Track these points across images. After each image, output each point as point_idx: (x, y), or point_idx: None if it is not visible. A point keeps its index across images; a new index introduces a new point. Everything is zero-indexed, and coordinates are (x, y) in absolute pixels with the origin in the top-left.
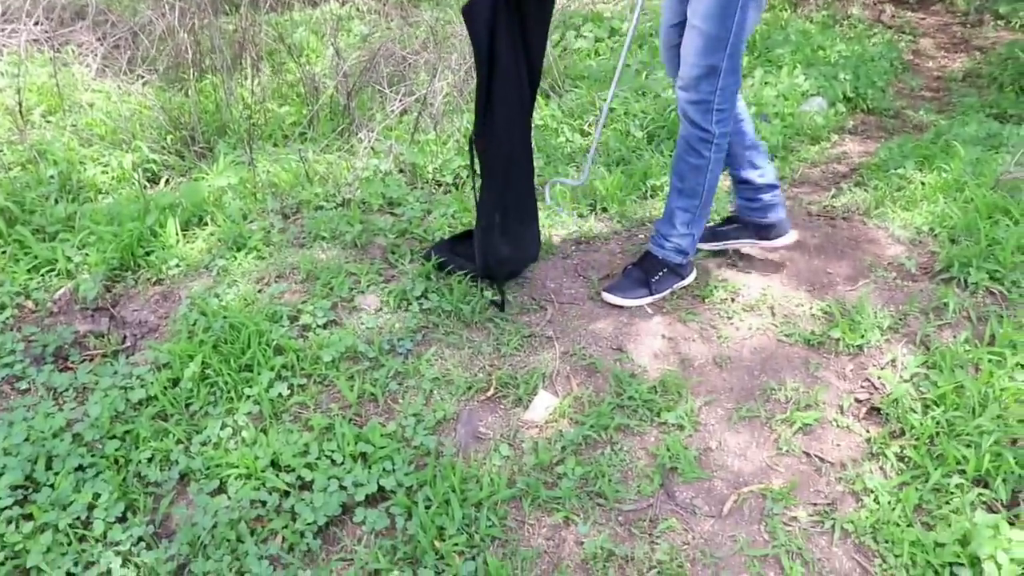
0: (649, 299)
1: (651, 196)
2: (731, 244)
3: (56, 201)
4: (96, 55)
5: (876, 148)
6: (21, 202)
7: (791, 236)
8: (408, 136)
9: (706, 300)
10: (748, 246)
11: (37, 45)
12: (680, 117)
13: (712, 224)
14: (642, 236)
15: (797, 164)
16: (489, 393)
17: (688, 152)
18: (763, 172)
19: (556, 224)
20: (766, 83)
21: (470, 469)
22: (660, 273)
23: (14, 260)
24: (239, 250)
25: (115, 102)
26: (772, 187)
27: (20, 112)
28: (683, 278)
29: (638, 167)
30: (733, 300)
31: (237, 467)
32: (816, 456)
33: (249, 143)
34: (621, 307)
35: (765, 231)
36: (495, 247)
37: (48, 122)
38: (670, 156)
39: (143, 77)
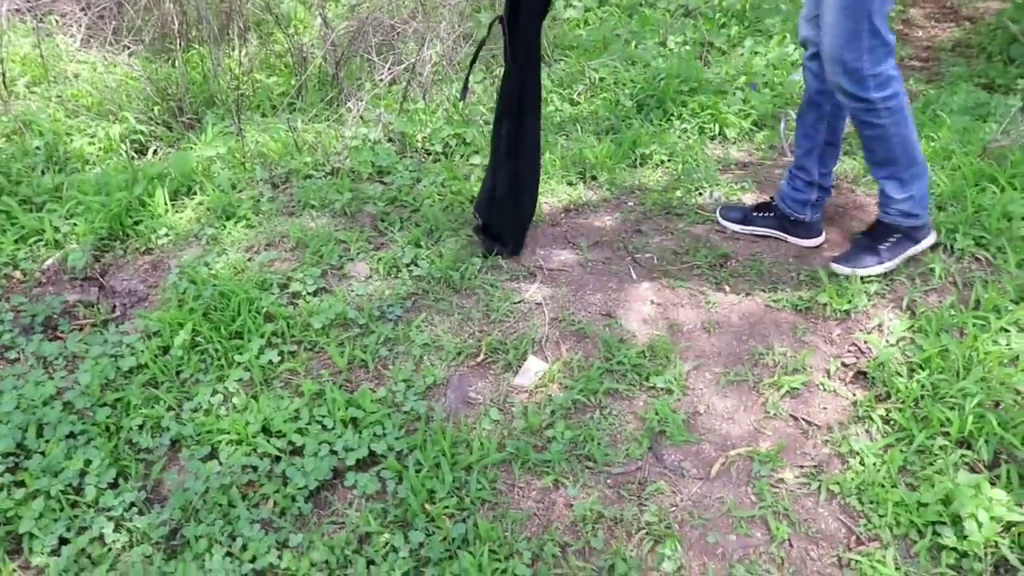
0: (881, 267)
1: (640, 164)
2: (759, 231)
3: (43, 172)
4: (80, 25)
5: None
6: (7, 173)
7: (820, 239)
8: (397, 105)
9: (695, 266)
10: (774, 234)
11: (19, 15)
12: (836, 93)
13: (745, 206)
14: (631, 204)
15: (787, 133)
16: (479, 359)
17: (861, 126)
18: (827, 174)
19: (546, 192)
20: (756, 53)
21: (460, 433)
22: (891, 240)
23: (1, 231)
24: (228, 219)
25: (101, 73)
26: (824, 191)
27: (3, 83)
28: (917, 242)
29: (627, 136)
30: (722, 266)
31: (228, 433)
32: (803, 419)
33: (237, 113)
34: (632, 278)
35: (795, 227)
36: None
37: (33, 93)
38: (659, 125)
39: (129, 48)
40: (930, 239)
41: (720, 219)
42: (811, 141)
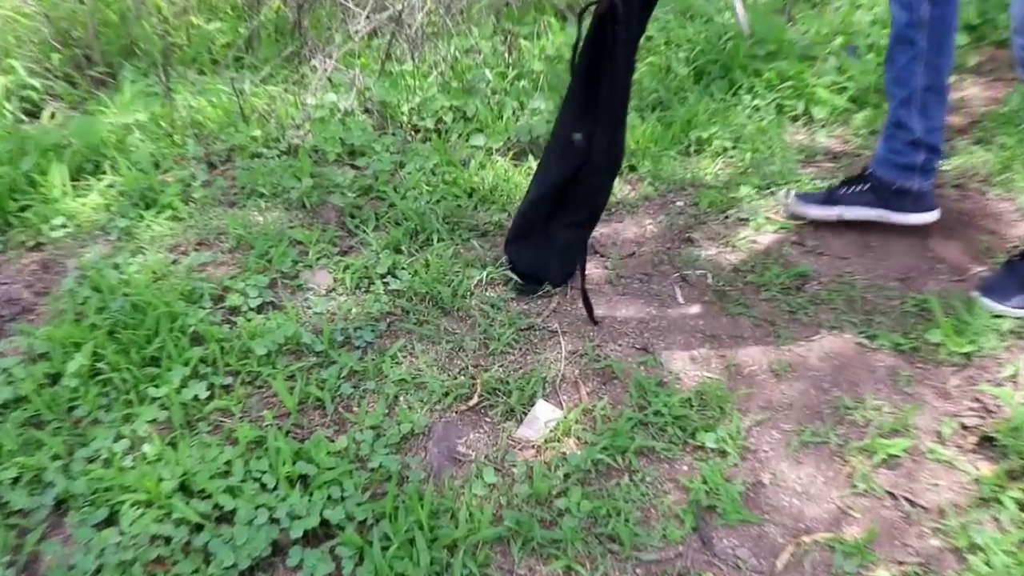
0: None
1: (695, 152)
2: (848, 212)
3: None
4: None
5: (1006, 93)
6: None
7: (933, 214)
8: (377, 66)
9: (763, 287)
10: (871, 216)
11: None
12: (1018, 67)
13: (826, 188)
14: (680, 204)
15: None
16: (472, 402)
17: None
18: (934, 129)
19: None
20: (857, 6)
21: (443, 500)
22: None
23: None
24: (148, 208)
25: None
26: (934, 151)
27: None
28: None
29: (679, 113)
30: (799, 289)
31: (134, 492)
32: (905, 499)
33: (165, 68)
34: (677, 301)
35: (899, 200)
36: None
37: None
38: (722, 100)
39: None
40: None
41: (793, 206)
42: (906, 88)
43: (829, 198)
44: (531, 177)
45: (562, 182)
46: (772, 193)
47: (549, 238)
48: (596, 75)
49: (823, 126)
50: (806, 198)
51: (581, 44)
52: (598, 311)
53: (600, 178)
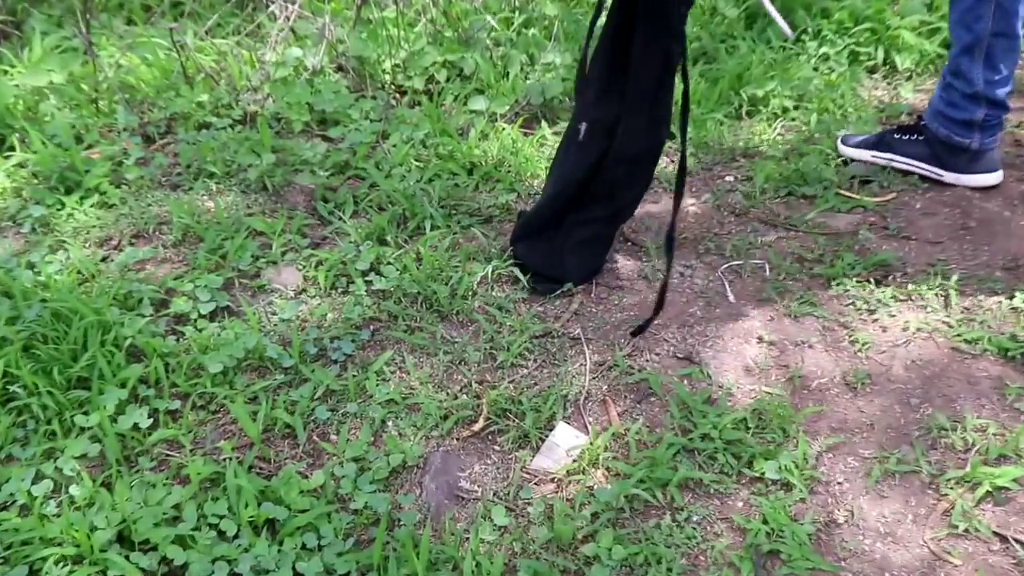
0: None
1: (748, 114)
2: (898, 161)
3: None
4: None
5: None
6: None
7: (994, 176)
8: (352, 12)
9: (834, 281)
10: (921, 170)
11: None
12: None
13: (882, 130)
14: (730, 179)
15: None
16: (477, 426)
17: None
18: (1000, 79)
19: None
20: None
21: (444, 548)
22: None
23: None
24: (69, 192)
25: None
26: (999, 106)
27: None
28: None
29: (728, 66)
30: (879, 282)
31: (59, 545)
32: (1018, 541)
33: (85, 17)
34: (727, 299)
35: (953, 157)
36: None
37: None
38: (782, 48)
39: None
40: None
41: (841, 146)
42: (970, 33)
43: (880, 142)
44: (548, 168)
45: (583, 175)
46: (845, 163)
47: (565, 234)
48: (622, 52)
49: (908, 78)
50: (854, 141)
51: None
52: (630, 313)
53: (626, 169)
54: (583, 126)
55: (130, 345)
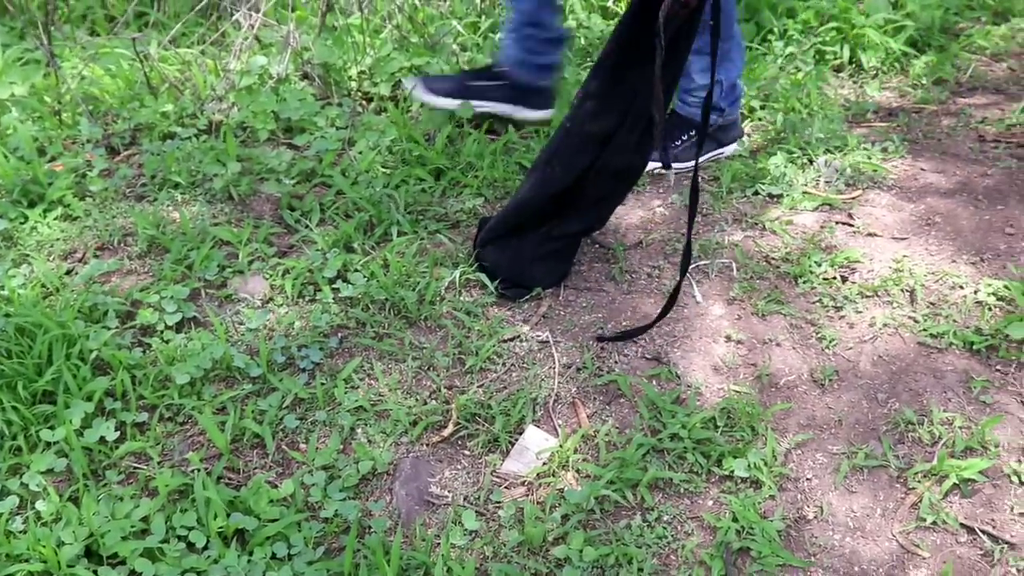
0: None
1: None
2: (483, 105)
3: None
4: None
5: None
6: None
7: (549, 112)
8: (317, 19)
9: (801, 279)
10: (502, 112)
11: None
12: None
13: (465, 71)
14: (703, 175)
15: (966, 57)
16: (447, 432)
17: None
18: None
19: None
20: None
21: (415, 553)
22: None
23: None
24: (32, 205)
25: None
26: (559, 42)
27: None
28: (722, 145)
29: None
30: (845, 279)
31: (26, 561)
32: (984, 532)
33: (47, 28)
34: (695, 299)
35: (531, 97)
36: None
37: None
38: (749, 48)
39: None
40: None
41: (419, 93)
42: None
43: (463, 89)
44: (527, 173)
45: (570, 182)
46: (811, 162)
47: (534, 245)
48: (631, 70)
49: (874, 76)
50: (432, 85)
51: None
52: (598, 316)
53: (609, 183)
54: (577, 135)
55: (96, 358)
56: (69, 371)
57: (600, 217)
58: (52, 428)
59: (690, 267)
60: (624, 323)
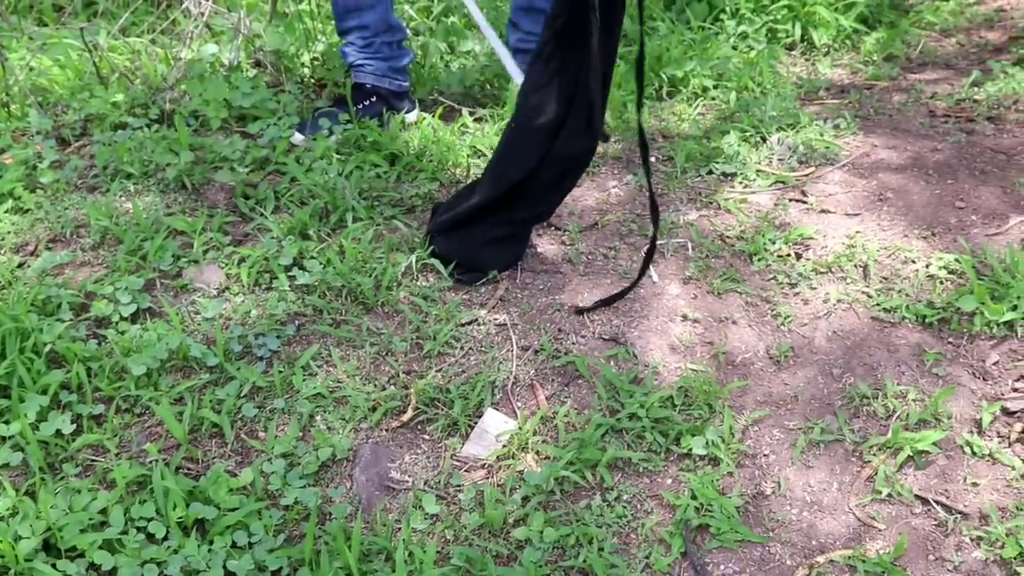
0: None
1: (668, 95)
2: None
3: None
4: None
5: None
6: None
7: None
8: (267, 6)
9: (755, 256)
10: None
11: None
12: None
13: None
14: (652, 159)
15: (916, 33)
16: (406, 417)
17: None
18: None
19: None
20: None
21: (376, 539)
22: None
23: None
24: None
25: None
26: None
27: None
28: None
29: (648, 48)
30: (799, 256)
31: None
32: (938, 503)
33: None
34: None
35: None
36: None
37: None
38: (701, 29)
39: None
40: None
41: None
42: None
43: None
44: (479, 178)
45: (521, 176)
46: (764, 140)
47: (484, 230)
48: (573, 55)
49: (826, 54)
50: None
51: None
52: (554, 298)
53: (560, 171)
54: (527, 131)
55: (50, 351)
56: (23, 364)
57: (551, 204)
58: (7, 422)
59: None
60: (581, 301)
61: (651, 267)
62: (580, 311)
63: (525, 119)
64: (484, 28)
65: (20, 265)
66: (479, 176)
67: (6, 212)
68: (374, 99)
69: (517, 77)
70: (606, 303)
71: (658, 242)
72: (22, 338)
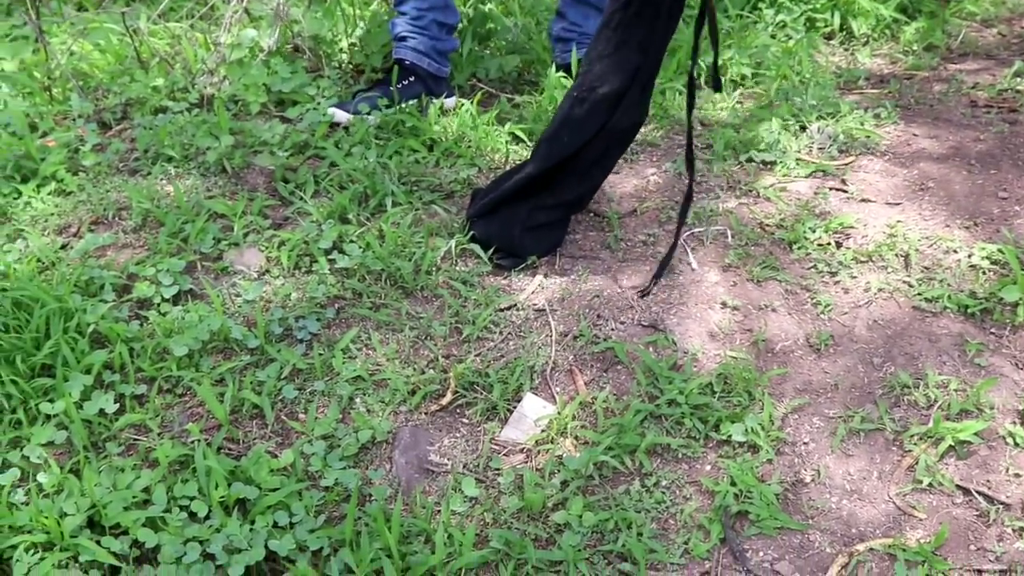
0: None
1: (706, 83)
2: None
3: None
4: None
5: None
6: None
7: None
8: None
9: (795, 245)
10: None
11: None
12: None
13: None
14: (697, 143)
15: (956, 23)
16: (445, 400)
17: None
18: None
19: None
20: None
21: (415, 521)
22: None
23: None
24: (26, 181)
25: None
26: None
27: None
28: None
29: (685, 36)
30: (839, 244)
31: (29, 532)
32: (980, 493)
33: (36, 4)
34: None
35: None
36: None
37: None
38: (739, 17)
39: None
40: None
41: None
42: None
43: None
44: (533, 150)
45: (575, 151)
46: (804, 129)
47: (524, 215)
48: (642, 28)
49: (865, 43)
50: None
51: None
52: (594, 284)
53: (610, 144)
54: (588, 101)
55: (93, 331)
56: (67, 344)
57: (594, 183)
58: (51, 401)
59: (681, 239)
60: (620, 288)
61: (690, 253)
62: (644, 293)
63: (588, 89)
64: None
65: (63, 246)
66: (517, 162)
67: (49, 194)
68: (412, 79)
69: None
70: (658, 276)
71: (697, 229)
72: (66, 318)
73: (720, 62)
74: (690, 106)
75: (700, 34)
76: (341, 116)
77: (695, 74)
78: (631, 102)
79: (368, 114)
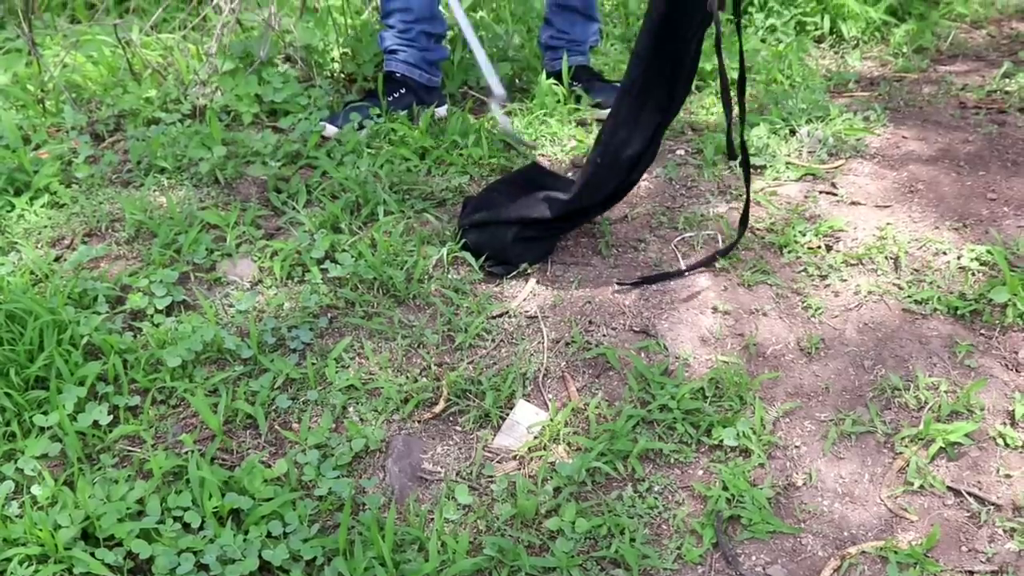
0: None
1: (696, 88)
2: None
3: None
4: None
5: None
6: None
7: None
8: (297, 1)
9: (786, 248)
10: None
11: None
12: None
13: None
14: (680, 153)
15: (946, 25)
16: (438, 408)
17: None
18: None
19: (544, 137)
20: None
21: (409, 529)
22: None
23: None
24: (19, 193)
25: None
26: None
27: None
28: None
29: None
30: (830, 248)
31: (23, 545)
32: (971, 494)
33: (28, 17)
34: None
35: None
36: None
37: None
38: (729, 21)
39: None
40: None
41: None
42: None
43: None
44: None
45: (589, 205)
46: (793, 132)
47: (518, 230)
48: (662, 86)
49: (855, 46)
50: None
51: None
52: (585, 290)
53: (620, 191)
54: (611, 165)
55: (87, 343)
56: (61, 356)
57: (589, 218)
58: (45, 413)
59: (671, 244)
60: (612, 294)
61: (680, 257)
62: (622, 284)
63: (612, 155)
64: (469, 37)
65: (56, 258)
66: (509, 170)
67: (42, 206)
68: (404, 91)
69: (497, 89)
70: (649, 281)
71: (688, 234)
72: (59, 330)
73: (711, 65)
74: (747, 179)
75: (731, 109)
76: (331, 131)
77: (734, 148)
78: (650, 156)
79: (360, 125)
